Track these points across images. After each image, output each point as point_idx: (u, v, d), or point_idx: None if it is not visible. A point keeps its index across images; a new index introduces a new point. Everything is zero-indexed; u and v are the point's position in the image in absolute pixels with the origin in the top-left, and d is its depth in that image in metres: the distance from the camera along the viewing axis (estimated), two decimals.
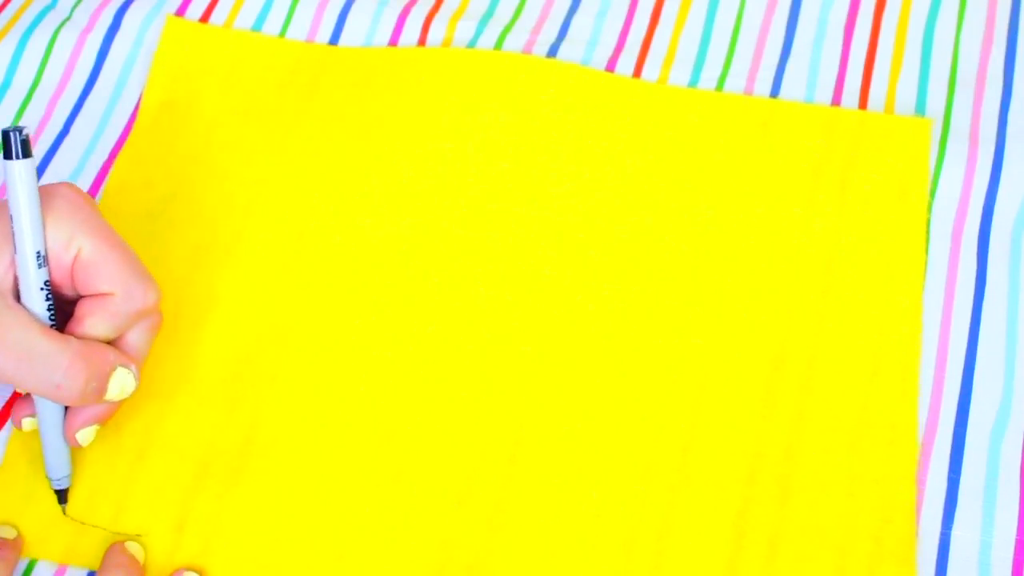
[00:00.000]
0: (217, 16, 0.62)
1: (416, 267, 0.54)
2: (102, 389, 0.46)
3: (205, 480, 0.50)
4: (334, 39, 0.61)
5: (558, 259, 0.54)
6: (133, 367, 0.47)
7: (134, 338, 0.48)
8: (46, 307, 0.46)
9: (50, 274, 0.46)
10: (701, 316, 0.53)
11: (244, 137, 0.58)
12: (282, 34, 0.61)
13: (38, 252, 0.45)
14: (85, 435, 0.48)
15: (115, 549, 0.48)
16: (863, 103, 0.58)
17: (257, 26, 0.62)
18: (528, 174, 0.56)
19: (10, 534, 0.48)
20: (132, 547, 0.48)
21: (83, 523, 0.49)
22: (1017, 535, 0.48)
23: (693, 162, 0.57)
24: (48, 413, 0.48)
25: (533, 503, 0.49)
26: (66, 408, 0.48)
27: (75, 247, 0.46)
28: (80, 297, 0.47)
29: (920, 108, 0.58)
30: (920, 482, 0.50)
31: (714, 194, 0.56)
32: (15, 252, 0.45)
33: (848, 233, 0.55)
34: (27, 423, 0.49)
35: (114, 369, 0.46)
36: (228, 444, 0.51)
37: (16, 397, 0.52)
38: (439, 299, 0.54)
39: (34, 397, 0.47)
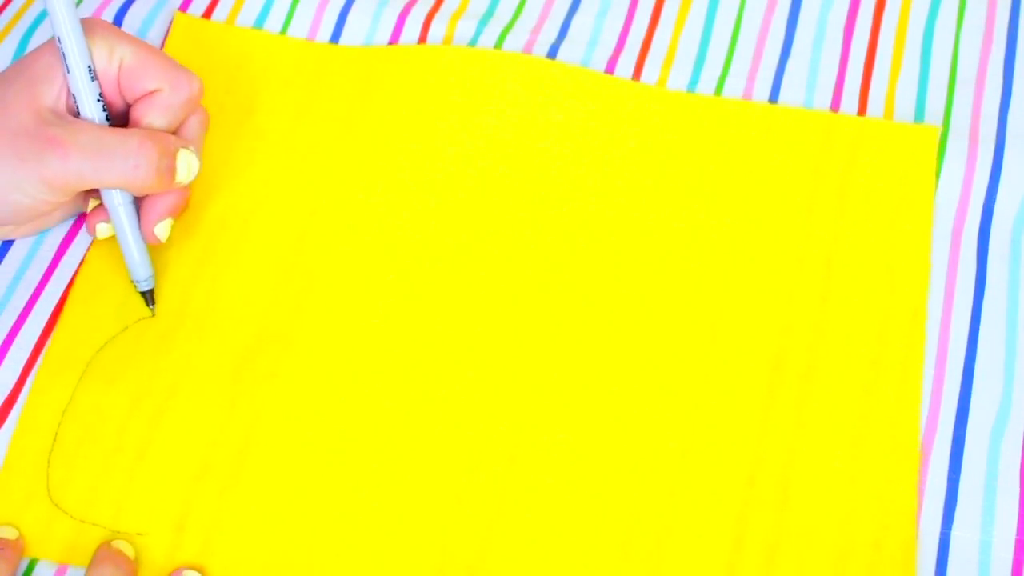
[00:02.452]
0: (218, 15, 0.61)
1: (415, 267, 0.54)
2: (172, 167, 0.50)
3: (205, 480, 0.50)
4: (334, 38, 0.61)
5: (556, 261, 0.54)
6: (193, 147, 0.51)
7: (188, 130, 0.52)
8: (104, 116, 0.51)
9: (100, 88, 0.50)
10: (702, 320, 0.53)
11: (247, 135, 0.58)
12: (283, 33, 0.61)
13: (88, 66, 0.50)
14: (162, 228, 0.52)
15: (103, 546, 0.48)
16: (863, 103, 0.58)
17: (258, 25, 0.62)
18: (527, 176, 0.56)
19: (12, 534, 0.48)
20: (121, 544, 0.48)
21: (83, 521, 0.49)
22: (1017, 535, 0.48)
23: (693, 167, 0.56)
24: (124, 215, 0.51)
25: (532, 505, 0.49)
26: (139, 212, 0.52)
27: (117, 58, 0.51)
28: (130, 106, 0.52)
29: (920, 108, 0.58)
30: (920, 482, 0.50)
31: (714, 199, 0.56)
32: (67, 72, 0.49)
33: (848, 239, 0.54)
34: (101, 228, 0.53)
35: (178, 150, 0.50)
36: (228, 444, 0.51)
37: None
38: (438, 300, 0.54)
39: (108, 204, 0.51)
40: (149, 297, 0.53)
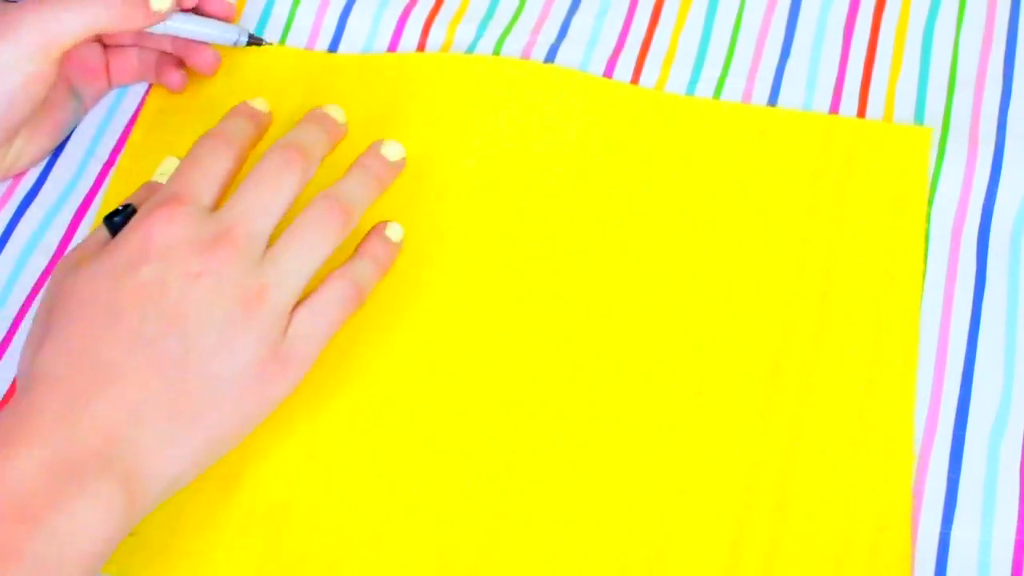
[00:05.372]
0: None
1: (413, 275, 0.54)
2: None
3: (202, 480, 0.49)
4: (335, 42, 0.61)
5: (555, 267, 0.54)
6: None
7: None
8: None
9: None
10: (699, 325, 0.53)
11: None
12: (284, 38, 0.62)
13: None
14: None
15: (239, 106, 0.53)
16: (863, 103, 0.58)
17: (259, 30, 0.62)
18: (526, 181, 0.56)
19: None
20: (256, 102, 0.54)
21: None
22: (1016, 535, 0.48)
23: (692, 170, 0.56)
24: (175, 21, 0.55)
25: (531, 511, 0.49)
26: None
27: None
28: None
29: (920, 108, 0.58)
30: (919, 482, 0.49)
31: (712, 202, 0.56)
32: None
33: (845, 243, 0.54)
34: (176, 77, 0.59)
35: None
36: None
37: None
38: (438, 305, 0.54)
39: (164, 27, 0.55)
40: (255, 39, 0.58)
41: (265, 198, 0.48)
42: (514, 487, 0.50)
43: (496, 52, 0.60)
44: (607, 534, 0.49)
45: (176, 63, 0.58)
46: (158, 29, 0.55)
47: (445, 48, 0.61)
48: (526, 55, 0.60)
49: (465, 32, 0.61)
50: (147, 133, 0.58)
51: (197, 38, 0.57)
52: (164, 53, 0.59)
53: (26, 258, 0.55)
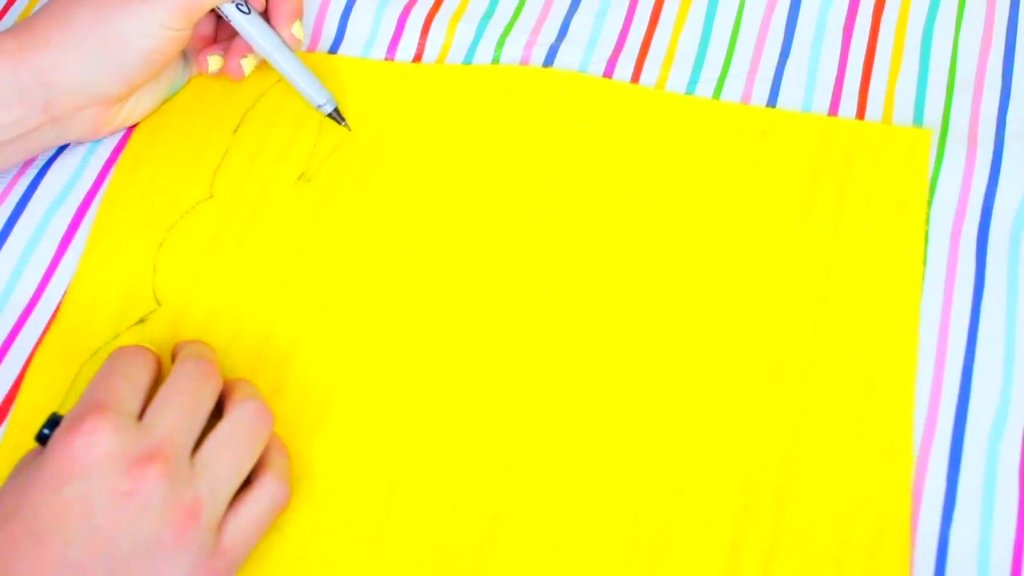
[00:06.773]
0: None
1: (415, 277, 0.54)
2: None
3: None
4: (336, 41, 0.61)
5: (556, 269, 0.54)
6: None
7: None
8: None
9: None
10: (699, 326, 0.53)
11: (239, 147, 0.58)
12: None
13: None
14: (297, 29, 0.57)
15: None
16: (862, 104, 0.58)
17: None
18: (527, 183, 0.56)
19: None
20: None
21: None
22: (1016, 535, 0.48)
23: (692, 171, 0.56)
24: (266, 40, 0.56)
25: (531, 512, 0.49)
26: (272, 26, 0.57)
27: None
28: None
29: (919, 109, 0.58)
30: (919, 482, 0.49)
31: (712, 203, 0.56)
32: None
33: (845, 245, 0.54)
34: (246, 63, 0.58)
35: None
36: None
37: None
38: (441, 308, 0.54)
39: (253, 42, 0.56)
40: (338, 116, 0.57)
41: (189, 410, 0.46)
42: (514, 487, 0.50)
43: (496, 52, 0.60)
44: (607, 534, 0.49)
45: (240, 51, 0.58)
46: (269, 59, 0.57)
47: (445, 47, 0.61)
48: (526, 55, 0.60)
49: (464, 32, 0.61)
50: (150, 133, 0.58)
51: (293, 82, 0.57)
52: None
53: (28, 257, 0.55)
